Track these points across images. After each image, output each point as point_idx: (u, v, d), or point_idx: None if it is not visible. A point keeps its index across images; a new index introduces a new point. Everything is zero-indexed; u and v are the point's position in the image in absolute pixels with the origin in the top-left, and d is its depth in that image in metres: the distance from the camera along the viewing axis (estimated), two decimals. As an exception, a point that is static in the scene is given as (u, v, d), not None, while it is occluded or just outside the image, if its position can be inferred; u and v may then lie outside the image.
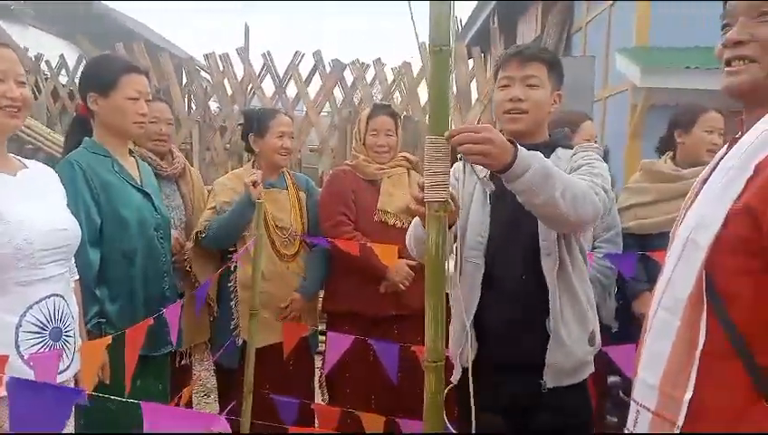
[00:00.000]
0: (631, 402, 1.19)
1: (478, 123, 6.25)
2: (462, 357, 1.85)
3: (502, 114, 1.85)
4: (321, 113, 7.05)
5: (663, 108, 6.33)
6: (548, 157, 1.78)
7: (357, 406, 2.56)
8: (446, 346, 1.61)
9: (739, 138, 1.15)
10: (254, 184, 2.54)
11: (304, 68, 6.85)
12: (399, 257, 2.62)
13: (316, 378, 2.99)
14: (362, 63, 6.71)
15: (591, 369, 1.84)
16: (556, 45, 9.30)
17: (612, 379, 2.79)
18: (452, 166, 1.56)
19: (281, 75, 6.86)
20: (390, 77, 7.00)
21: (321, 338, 3.12)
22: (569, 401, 1.78)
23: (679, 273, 1.10)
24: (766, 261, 1.00)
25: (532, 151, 1.55)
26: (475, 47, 6.71)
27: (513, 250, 1.79)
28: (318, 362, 2.97)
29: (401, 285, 2.68)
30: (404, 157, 2.90)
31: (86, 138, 2.21)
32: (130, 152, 2.33)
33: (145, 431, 1.08)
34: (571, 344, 1.74)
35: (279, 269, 2.71)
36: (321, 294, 2.95)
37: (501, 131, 1.59)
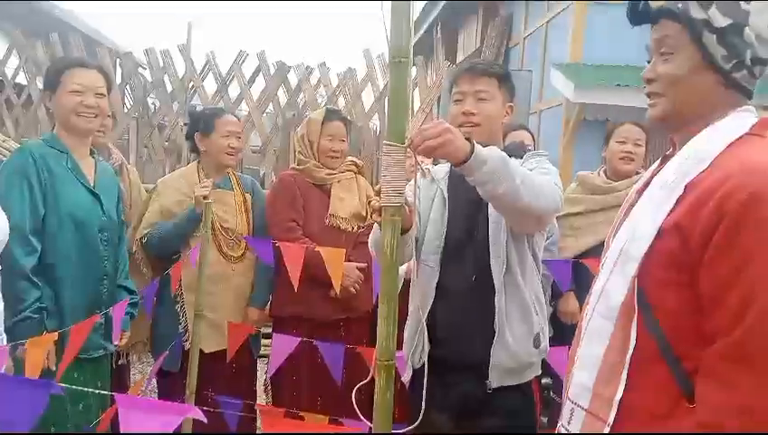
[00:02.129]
0: (566, 401, 1.27)
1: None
2: (414, 357, 1.91)
3: (456, 128, 1.93)
4: (264, 114, 7.01)
5: (594, 123, 6.66)
6: None
7: (303, 409, 2.57)
8: (399, 347, 1.67)
9: (671, 154, 1.26)
10: (204, 198, 2.50)
11: (248, 68, 6.80)
12: (346, 261, 2.65)
13: (260, 383, 2.98)
14: (307, 67, 6.73)
15: (537, 371, 1.92)
16: (495, 58, 9.57)
17: (545, 380, 2.93)
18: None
19: (224, 74, 6.78)
20: (335, 81, 7.04)
21: (264, 341, 3.12)
22: (512, 402, 1.86)
23: (613, 282, 1.20)
24: (691, 276, 1.10)
25: (488, 146, 1.62)
26: (417, 56, 6.85)
27: (466, 254, 1.86)
28: (262, 368, 2.97)
29: (352, 289, 2.70)
30: (352, 162, 2.93)
31: (47, 132, 2.22)
32: (92, 153, 2.31)
33: (121, 423, 1.08)
34: (516, 345, 1.82)
35: (225, 271, 2.70)
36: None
37: None
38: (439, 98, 7.04)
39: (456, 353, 1.86)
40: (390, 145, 1.47)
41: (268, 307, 2.86)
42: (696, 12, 1.17)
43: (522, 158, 1.92)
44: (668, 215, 1.13)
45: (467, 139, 1.57)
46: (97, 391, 1.37)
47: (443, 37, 8.52)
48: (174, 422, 1.11)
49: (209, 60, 6.81)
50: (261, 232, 2.81)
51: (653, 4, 1.22)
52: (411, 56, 1.48)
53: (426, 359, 1.84)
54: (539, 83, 7.99)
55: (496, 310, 1.81)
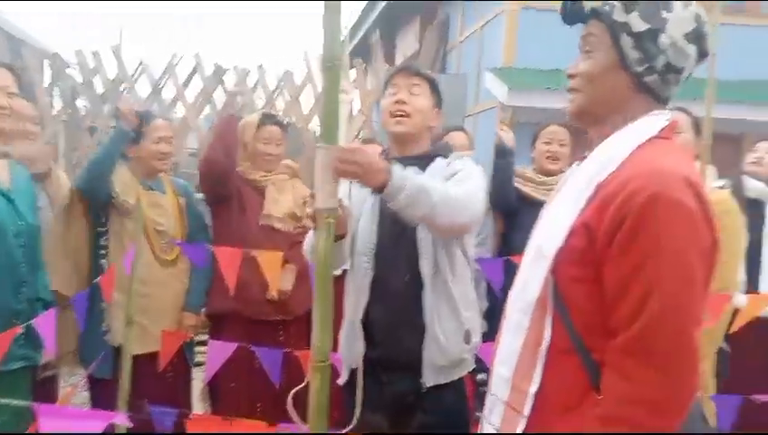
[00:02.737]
0: (488, 393, 1.32)
1: (359, 134, 6.40)
2: (350, 358, 1.93)
3: (388, 118, 1.97)
4: (200, 117, 6.88)
5: (528, 125, 6.84)
6: (428, 165, 1.94)
7: (242, 415, 2.55)
8: (335, 349, 1.68)
9: (587, 156, 1.32)
10: (128, 113, 2.50)
11: (183, 71, 6.67)
12: (284, 264, 2.65)
13: (196, 391, 2.93)
14: (244, 69, 6.65)
15: (469, 367, 1.97)
16: (433, 62, 9.71)
17: (480, 376, 3.00)
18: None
19: (157, 77, 6.62)
20: (273, 84, 6.99)
21: (199, 349, 3.06)
22: (447, 399, 1.90)
23: (530, 278, 1.25)
24: (597, 272, 1.16)
25: (408, 172, 1.68)
26: (356, 59, 6.88)
27: (398, 254, 1.89)
28: (198, 376, 2.91)
29: (283, 289, 2.71)
30: (287, 165, 2.96)
31: None
32: (6, 155, 2.21)
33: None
34: (446, 342, 1.86)
35: (158, 274, 2.65)
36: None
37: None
38: (379, 101, 7.09)
39: (391, 353, 1.89)
40: (323, 147, 1.49)
41: (203, 311, 2.82)
42: (619, 15, 1.23)
43: (447, 157, 1.97)
44: (579, 214, 1.18)
45: (388, 166, 1.62)
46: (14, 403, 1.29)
47: (382, 40, 8.58)
48: (97, 429, 1.09)
49: (142, 61, 6.63)
50: (195, 236, 2.78)
51: (585, 5, 1.27)
52: (346, 60, 1.51)
53: (361, 359, 1.87)
54: (475, 87, 8.15)
55: (426, 308, 1.85)
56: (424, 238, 1.87)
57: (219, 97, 6.88)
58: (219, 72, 6.67)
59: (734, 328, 2.27)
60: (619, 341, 1.12)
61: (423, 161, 1.95)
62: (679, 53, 1.22)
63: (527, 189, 3.00)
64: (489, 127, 7.88)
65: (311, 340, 1.49)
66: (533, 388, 1.19)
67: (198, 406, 2.98)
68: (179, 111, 6.84)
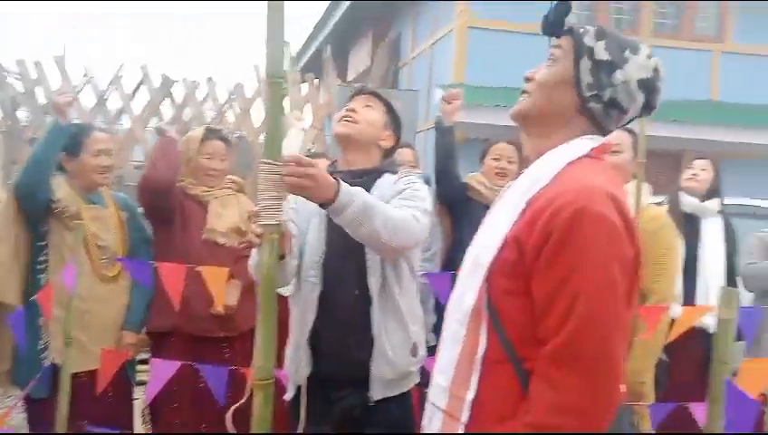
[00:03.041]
0: (427, 403, 1.34)
1: (311, 149, 6.39)
2: (297, 375, 1.92)
3: (336, 124, 2.00)
4: (147, 129, 6.74)
5: (477, 141, 6.97)
6: (376, 180, 1.95)
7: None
8: (282, 365, 1.66)
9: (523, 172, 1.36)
10: (64, 106, 2.45)
11: (130, 82, 6.53)
12: (229, 279, 2.62)
13: (137, 411, 2.84)
14: (194, 81, 6.57)
15: (416, 380, 1.98)
16: (384, 78, 9.81)
17: (427, 390, 3.01)
18: None
19: (102, 88, 6.46)
20: (223, 97, 6.92)
21: (141, 367, 2.98)
22: (394, 412, 1.91)
23: (466, 289, 1.27)
24: (527, 284, 1.19)
25: (355, 188, 1.69)
26: (308, 74, 6.88)
27: (346, 269, 1.89)
28: (139, 395, 2.83)
29: (228, 304, 2.66)
30: (231, 180, 2.92)
31: None
32: None
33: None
34: (394, 356, 1.87)
35: (98, 290, 2.57)
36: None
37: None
38: (331, 116, 7.11)
39: (339, 368, 1.88)
40: (267, 163, 1.48)
41: (144, 329, 2.75)
42: (589, 39, 1.28)
43: (395, 174, 1.99)
44: (511, 227, 1.22)
45: (336, 179, 1.64)
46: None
47: (334, 56, 8.62)
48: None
49: (87, 72, 6.46)
50: (137, 251, 2.72)
51: (567, 21, 1.32)
52: (298, 75, 1.52)
53: (308, 374, 1.86)
54: (426, 103, 8.27)
55: (374, 322, 1.86)
56: (372, 253, 1.88)
57: (167, 109, 6.77)
58: (167, 84, 6.56)
59: (671, 338, 2.34)
60: (546, 349, 1.15)
61: (371, 176, 1.96)
62: (628, 94, 1.27)
63: (476, 186, 2.99)
64: (440, 142, 8.00)
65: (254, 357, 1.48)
66: (470, 395, 1.21)
67: (141, 427, 2.89)
68: (125, 123, 6.68)
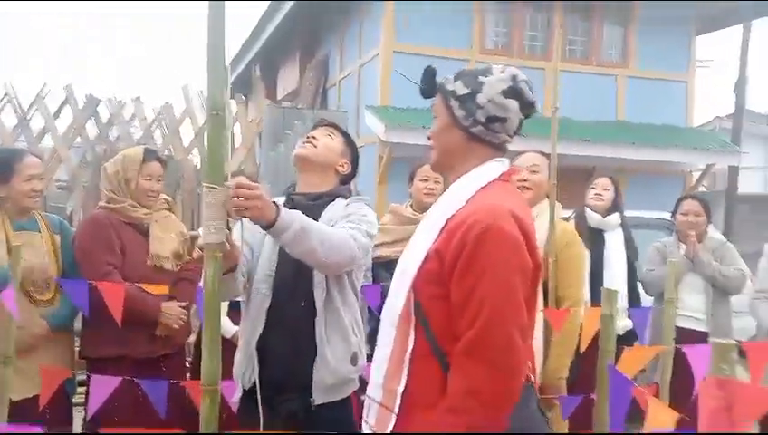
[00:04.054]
0: (365, 398, 1.52)
1: (240, 168, 6.45)
2: (244, 379, 2.05)
3: (296, 149, 2.16)
4: (71, 148, 6.61)
5: (404, 160, 7.25)
6: (327, 204, 2.12)
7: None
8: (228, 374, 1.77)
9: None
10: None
11: (54, 102, 6.41)
12: (170, 299, 2.70)
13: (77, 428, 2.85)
14: (120, 100, 6.52)
15: (355, 386, 2.13)
16: (314, 97, 9.97)
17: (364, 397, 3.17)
18: None
19: (25, 107, 6.31)
20: (151, 116, 6.89)
21: (79, 390, 2.98)
22: (334, 415, 2.05)
23: (397, 295, 1.48)
24: (448, 289, 1.41)
25: (295, 211, 1.85)
26: (237, 93, 6.96)
27: (294, 283, 2.04)
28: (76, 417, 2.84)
29: (175, 326, 2.72)
30: (165, 200, 2.96)
31: None
32: None
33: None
34: (336, 363, 2.02)
35: (33, 317, 2.56)
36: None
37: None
38: (261, 134, 7.19)
39: (284, 374, 2.02)
40: (210, 187, 1.62)
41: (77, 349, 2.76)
42: (449, 84, 1.55)
43: (347, 198, 2.17)
44: (433, 243, 1.44)
45: (276, 205, 1.79)
46: None
47: (263, 75, 8.72)
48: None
49: (8, 91, 6.30)
50: (71, 273, 2.71)
51: (434, 83, 1.58)
52: (227, 95, 1.66)
53: (255, 380, 1.99)
54: (355, 122, 8.49)
55: (318, 333, 2.02)
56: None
57: (92, 129, 6.68)
58: (92, 103, 6.49)
59: (585, 340, 2.56)
60: (460, 345, 1.36)
61: (325, 200, 2.14)
62: (498, 106, 1.51)
63: (392, 237, 3.16)
64: (370, 160, 8.22)
65: (198, 367, 1.59)
66: (400, 388, 1.41)
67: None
68: (47, 142, 6.54)
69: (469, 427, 1.32)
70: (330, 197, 2.15)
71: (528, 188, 2.75)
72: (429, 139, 1.62)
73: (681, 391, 2.52)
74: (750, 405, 1.06)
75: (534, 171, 2.78)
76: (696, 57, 9.35)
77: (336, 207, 2.12)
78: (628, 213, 3.78)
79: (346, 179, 2.24)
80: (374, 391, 1.49)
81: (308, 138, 2.16)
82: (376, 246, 3.17)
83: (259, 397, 1.91)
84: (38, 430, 1.50)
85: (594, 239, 3.52)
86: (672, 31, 8.92)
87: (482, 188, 1.48)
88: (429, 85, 1.59)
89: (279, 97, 11.89)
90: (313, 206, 2.09)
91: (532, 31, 8.53)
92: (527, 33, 8.53)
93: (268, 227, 1.78)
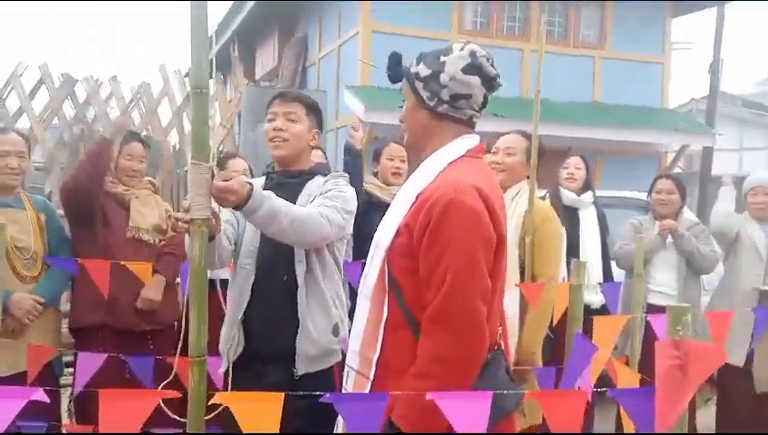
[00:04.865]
0: (345, 366, 1.59)
1: (220, 146, 6.43)
2: (230, 352, 2.12)
3: (268, 142, 2.19)
4: (48, 129, 6.54)
5: (384, 140, 7.30)
6: (307, 181, 2.18)
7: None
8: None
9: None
10: None
11: (29, 81, 6.32)
12: (154, 273, 2.75)
13: (64, 405, 2.90)
14: (97, 80, 6.45)
15: (337, 357, 2.20)
16: (293, 77, 9.93)
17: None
18: None
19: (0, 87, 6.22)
20: (129, 96, 6.82)
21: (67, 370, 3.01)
22: (318, 385, 2.07)
23: (371, 268, 1.56)
24: (417, 261, 1.47)
25: (266, 194, 1.90)
26: (216, 73, 6.94)
27: (277, 258, 2.11)
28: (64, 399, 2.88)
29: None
30: (149, 181, 3.06)
31: None
32: None
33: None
34: (317, 335, 2.10)
35: (20, 292, 2.61)
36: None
37: None
38: (240, 114, 7.17)
39: (268, 346, 2.09)
40: (196, 164, 1.66)
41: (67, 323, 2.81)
42: (413, 67, 1.61)
43: (326, 176, 2.22)
44: (404, 217, 1.51)
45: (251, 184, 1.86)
46: None
47: (241, 54, 8.65)
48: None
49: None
50: (57, 251, 2.78)
51: (400, 68, 1.64)
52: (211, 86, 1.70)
53: (240, 353, 2.05)
54: (335, 102, 8.49)
55: (300, 305, 2.09)
56: None
57: (69, 109, 6.61)
58: (69, 83, 6.41)
59: (558, 315, 2.66)
60: (427, 312, 1.44)
61: (304, 178, 2.20)
62: (460, 83, 1.57)
63: (377, 192, 3.30)
64: (348, 141, 8.24)
65: (187, 340, 1.65)
66: (375, 356, 1.48)
67: (67, 420, 2.94)
68: (23, 123, 6.46)
69: (435, 391, 1.39)
70: (309, 175, 2.21)
71: (502, 171, 2.81)
72: (401, 122, 1.68)
73: (650, 360, 2.64)
74: (703, 363, 1.15)
75: (510, 153, 2.83)
76: (671, 39, 9.49)
77: (315, 185, 2.19)
78: (603, 193, 3.91)
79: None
80: (352, 359, 1.57)
81: (274, 131, 2.16)
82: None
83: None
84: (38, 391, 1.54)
85: (569, 217, 3.63)
86: (648, 13, 9.03)
87: (450, 163, 1.54)
88: (395, 70, 1.65)
89: (257, 76, 11.82)
90: (294, 183, 2.15)
91: (510, 12, 8.57)
92: (506, 15, 8.57)
93: (239, 207, 1.84)
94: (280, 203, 1.93)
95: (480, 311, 1.43)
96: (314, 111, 2.25)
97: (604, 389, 1.54)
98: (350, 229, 2.23)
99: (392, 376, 1.47)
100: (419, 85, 1.58)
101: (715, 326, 2.05)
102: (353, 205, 2.20)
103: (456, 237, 1.42)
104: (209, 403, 1.60)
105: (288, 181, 2.15)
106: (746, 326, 3.20)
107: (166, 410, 1.77)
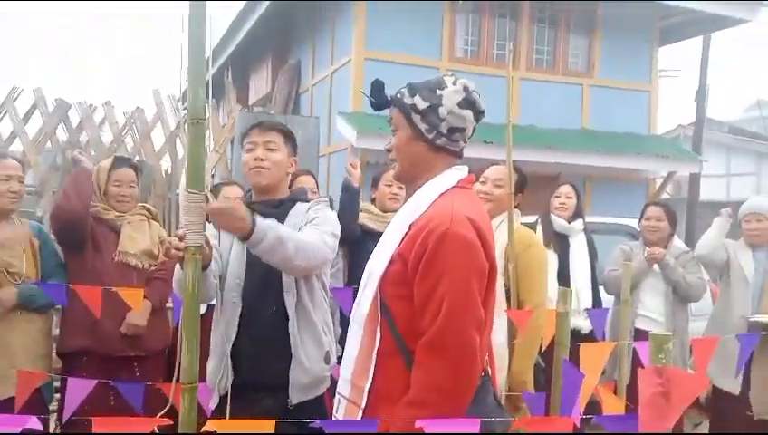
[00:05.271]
0: (336, 394, 1.61)
1: (213, 172, 6.45)
2: (220, 385, 2.12)
3: (248, 171, 2.22)
4: (41, 153, 6.56)
5: (376, 165, 7.36)
6: (289, 209, 2.20)
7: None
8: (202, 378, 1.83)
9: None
10: None
11: (23, 105, 6.36)
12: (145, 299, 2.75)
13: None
14: (90, 105, 6.49)
15: (328, 384, 2.21)
16: (286, 103, 10.01)
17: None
18: None
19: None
20: (122, 120, 6.87)
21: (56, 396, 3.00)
22: (310, 412, 2.09)
23: (364, 296, 1.58)
24: (411, 290, 1.50)
25: (268, 220, 1.92)
26: (209, 97, 6.97)
27: (265, 289, 2.13)
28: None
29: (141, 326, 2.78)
30: (144, 207, 3.07)
31: None
32: None
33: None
34: (310, 364, 2.11)
35: (11, 317, 2.62)
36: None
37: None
38: (233, 139, 7.22)
39: (259, 378, 2.10)
40: (190, 192, 1.69)
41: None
42: (408, 99, 1.62)
43: (308, 202, 2.26)
44: (398, 246, 1.54)
45: (253, 215, 1.88)
46: None
47: (234, 79, 8.73)
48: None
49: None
50: (51, 277, 2.78)
51: (387, 94, 1.65)
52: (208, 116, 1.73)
53: (230, 385, 2.06)
54: (327, 128, 8.56)
55: (291, 336, 2.10)
56: (287, 275, 2.11)
57: (62, 133, 6.64)
58: (62, 108, 6.45)
59: (547, 342, 2.68)
60: (422, 341, 1.46)
61: (286, 206, 2.22)
62: (457, 117, 1.61)
63: (370, 223, 3.34)
64: (342, 166, 8.29)
65: (176, 369, 1.66)
66: (368, 384, 1.50)
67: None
68: (16, 147, 6.48)
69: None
70: (290, 202, 2.24)
71: (489, 202, 2.84)
72: (389, 151, 1.68)
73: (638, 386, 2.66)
74: (685, 390, 1.18)
75: (498, 185, 2.88)
76: (658, 67, 9.66)
77: (298, 212, 2.21)
78: (592, 219, 3.96)
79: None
80: (343, 387, 1.58)
81: (255, 161, 2.18)
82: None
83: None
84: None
85: (560, 244, 3.70)
86: (635, 42, 9.21)
87: (442, 194, 1.57)
88: (378, 98, 1.66)
89: (251, 102, 11.90)
90: (276, 213, 2.15)
91: (500, 40, 8.72)
92: (495, 42, 8.72)
93: (244, 238, 1.86)
94: (284, 229, 1.96)
95: (474, 340, 1.45)
96: (291, 138, 2.29)
97: (590, 416, 1.56)
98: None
99: (384, 404, 1.49)
100: (417, 118, 1.60)
101: (698, 353, 2.09)
102: (339, 228, 2.23)
103: (452, 268, 1.45)
104: (201, 431, 1.60)
105: (270, 211, 2.15)
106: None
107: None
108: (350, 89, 8.18)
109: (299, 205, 2.24)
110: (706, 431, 3.70)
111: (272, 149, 2.21)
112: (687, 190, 10.90)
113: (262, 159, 2.18)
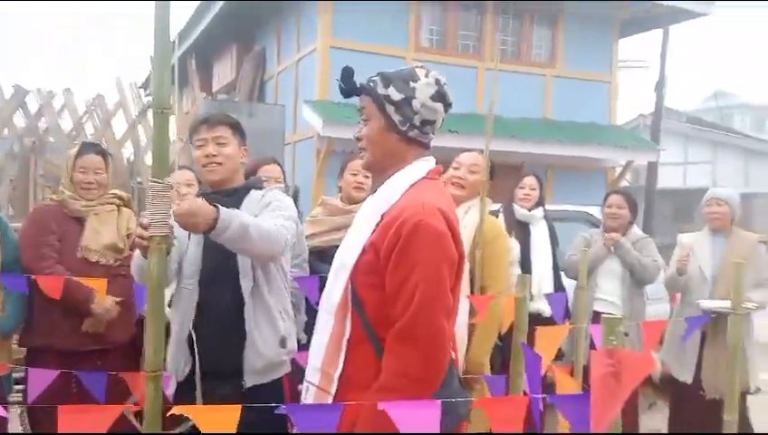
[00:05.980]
0: (304, 381, 1.64)
1: (173, 160, 6.38)
2: (178, 371, 2.14)
3: (201, 168, 2.24)
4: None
5: (342, 154, 7.36)
6: (243, 197, 2.22)
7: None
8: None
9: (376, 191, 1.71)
10: None
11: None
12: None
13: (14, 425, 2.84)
14: (50, 91, 6.33)
15: (286, 369, 2.24)
16: (250, 90, 9.91)
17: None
18: None
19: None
20: (82, 108, 6.71)
21: (16, 387, 2.97)
22: (267, 397, 2.13)
23: (334, 285, 1.60)
24: (383, 279, 1.53)
25: (233, 211, 1.93)
26: (171, 85, 6.86)
27: (221, 276, 2.14)
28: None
29: (104, 320, 2.75)
30: (115, 194, 2.99)
31: None
32: None
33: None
34: (264, 348, 2.14)
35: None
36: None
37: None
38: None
39: (216, 362, 2.11)
40: (155, 182, 1.69)
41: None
42: (381, 89, 1.63)
43: (261, 189, 2.28)
44: (369, 236, 1.57)
45: (216, 206, 1.89)
46: None
47: (198, 67, 8.61)
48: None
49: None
50: (11, 267, 2.73)
51: (357, 82, 1.66)
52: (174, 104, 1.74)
53: (188, 371, 2.07)
54: (293, 116, 8.52)
55: (246, 319, 2.13)
56: (243, 259, 2.14)
57: (20, 120, 6.47)
58: (20, 94, 6.28)
59: (506, 325, 2.75)
60: (393, 329, 1.50)
61: (240, 194, 2.23)
62: (429, 110, 1.64)
63: (320, 231, 3.28)
64: (307, 154, 8.28)
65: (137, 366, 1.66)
66: (337, 371, 1.53)
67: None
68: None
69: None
70: (245, 190, 2.26)
71: (463, 187, 2.90)
72: (359, 140, 1.69)
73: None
74: (634, 370, 1.25)
75: (473, 171, 2.92)
76: (619, 58, 9.86)
77: (252, 199, 2.23)
78: (553, 207, 4.06)
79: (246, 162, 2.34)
80: (312, 375, 1.62)
81: (206, 157, 2.19)
82: (308, 236, 3.27)
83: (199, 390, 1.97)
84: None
85: (521, 232, 3.79)
86: (596, 33, 9.39)
87: (412, 185, 1.60)
88: (348, 84, 1.66)
89: (215, 89, 11.73)
90: (229, 201, 2.15)
91: (465, 30, 8.78)
92: (460, 33, 8.78)
93: (208, 230, 1.87)
94: (246, 217, 1.97)
95: (444, 328, 1.49)
96: (239, 129, 2.30)
97: (545, 395, 1.63)
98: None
99: (354, 391, 1.52)
100: (390, 109, 1.61)
101: (647, 334, 2.18)
102: (295, 212, 2.26)
103: (424, 258, 1.48)
104: (168, 414, 1.62)
105: (225, 200, 2.14)
106: (693, 345, 3.47)
107: (135, 422, 1.78)
108: (315, 77, 8.15)
109: (253, 192, 2.26)
110: (662, 411, 3.85)
111: (222, 144, 2.22)
112: (645, 178, 11.18)
113: (213, 155, 2.20)
